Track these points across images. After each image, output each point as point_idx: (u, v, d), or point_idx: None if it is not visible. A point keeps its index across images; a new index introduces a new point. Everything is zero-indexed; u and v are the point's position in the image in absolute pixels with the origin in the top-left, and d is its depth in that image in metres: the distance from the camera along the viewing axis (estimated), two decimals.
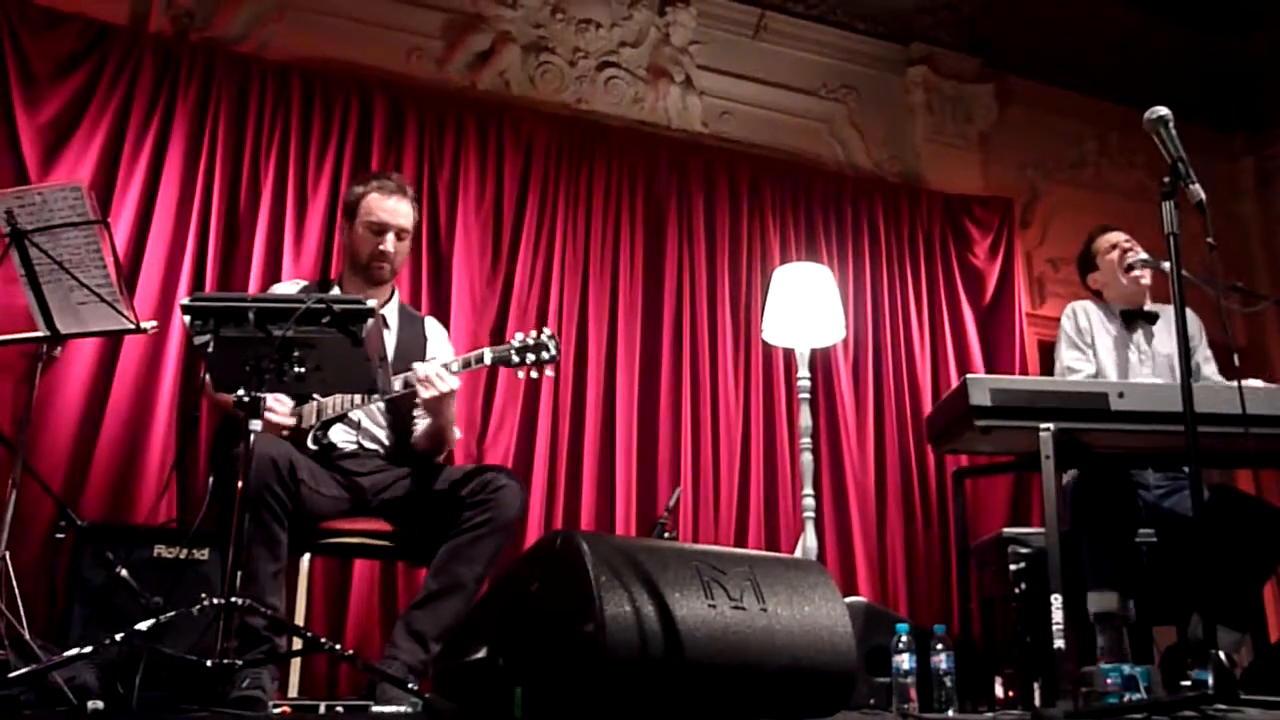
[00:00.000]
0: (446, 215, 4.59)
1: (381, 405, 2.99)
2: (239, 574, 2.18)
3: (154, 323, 3.25)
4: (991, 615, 3.67)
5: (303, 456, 2.74)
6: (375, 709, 2.54)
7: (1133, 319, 3.61)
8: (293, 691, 3.20)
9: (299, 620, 3.18)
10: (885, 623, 3.02)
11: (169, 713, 2.19)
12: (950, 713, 2.73)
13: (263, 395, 2.31)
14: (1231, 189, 6.62)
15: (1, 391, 3.66)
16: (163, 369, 3.94)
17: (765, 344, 4.69)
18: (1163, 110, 2.44)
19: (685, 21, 5.41)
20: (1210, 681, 2.06)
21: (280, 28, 4.63)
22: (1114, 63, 6.26)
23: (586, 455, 4.56)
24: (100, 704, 2.22)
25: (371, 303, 2.30)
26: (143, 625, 2.14)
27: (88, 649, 2.13)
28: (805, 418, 3.86)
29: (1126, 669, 2.61)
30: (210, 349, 2.27)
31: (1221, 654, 2.07)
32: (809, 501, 3.80)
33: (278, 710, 2.51)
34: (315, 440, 2.87)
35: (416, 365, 2.87)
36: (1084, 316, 3.64)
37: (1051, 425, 2.77)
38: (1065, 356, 3.61)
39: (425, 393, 2.81)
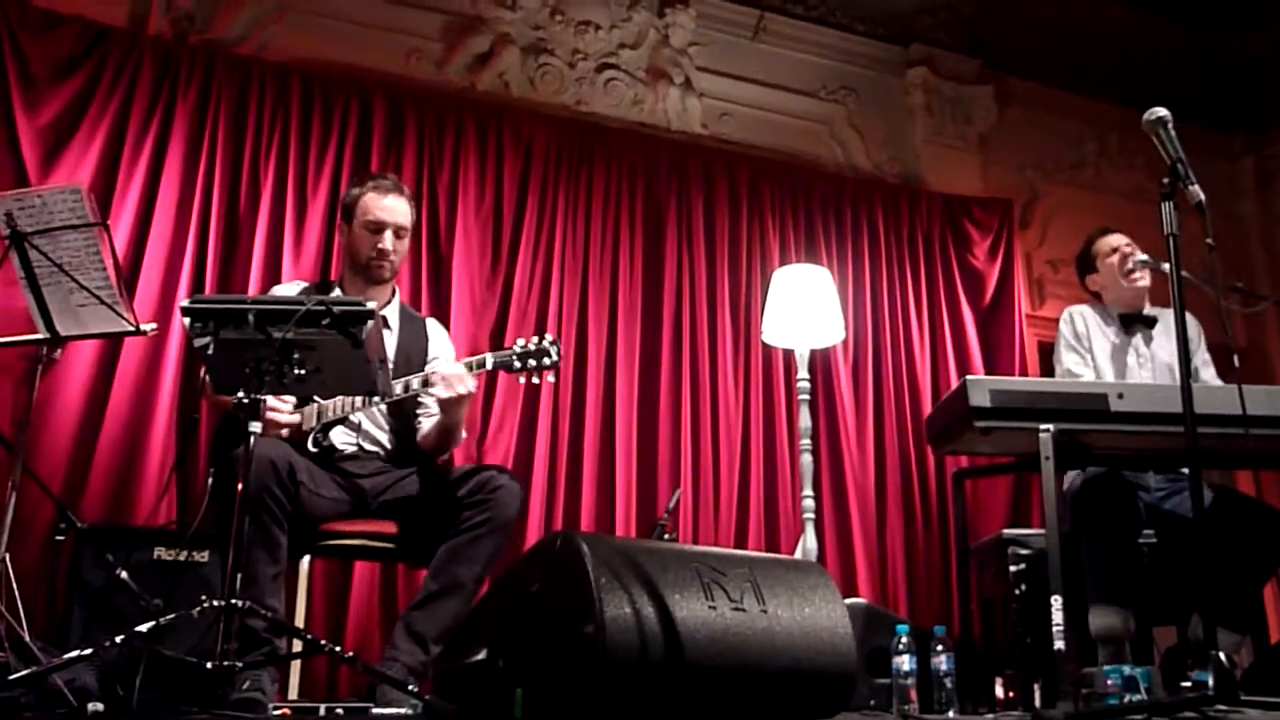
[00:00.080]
0: (446, 217, 4.59)
1: (383, 407, 2.99)
2: (239, 576, 2.18)
3: (154, 325, 3.25)
4: (992, 616, 3.67)
5: (302, 459, 2.74)
6: (375, 711, 2.54)
7: (1131, 323, 3.61)
8: (293, 693, 3.20)
9: (299, 622, 3.18)
10: (885, 624, 3.02)
11: (169, 714, 2.19)
12: (950, 714, 2.73)
13: (262, 397, 2.31)
14: (1231, 189, 6.62)
15: (1, 393, 3.66)
16: (162, 371, 3.94)
17: (765, 345, 4.70)
18: (1162, 111, 2.44)
19: (684, 23, 5.41)
20: (1210, 682, 2.06)
21: (280, 30, 4.63)
22: (1113, 63, 6.27)
23: (586, 456, 4.56)
24: (100, 706, 2.21)
25: (371, 304, 2.30)
26: (143, 627, 2.14)
27: (88, 651, 2.14)
28: (805, 419, 3.87)
29: (1127, 670, 2.61)
30: (210, 351, 2.27)
31: (1222, 655, 2.07)
32: (809, 503, 3.80)
33: (278, 712, 2.51)
34: (315, 443, 2.87)
35: (440, 364, 2.88)
36: (1081, 321, 3.63)
37: (1051, 426, 2.77)
38: (1066, 360, 3.60)
39: (445, 393, 2.81)
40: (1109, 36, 6.29)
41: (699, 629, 1.84)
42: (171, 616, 2.17)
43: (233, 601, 2.14)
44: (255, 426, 2.28)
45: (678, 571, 1.90)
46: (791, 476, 4.82)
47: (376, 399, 2.86)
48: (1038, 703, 3.08)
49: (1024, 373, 5.37)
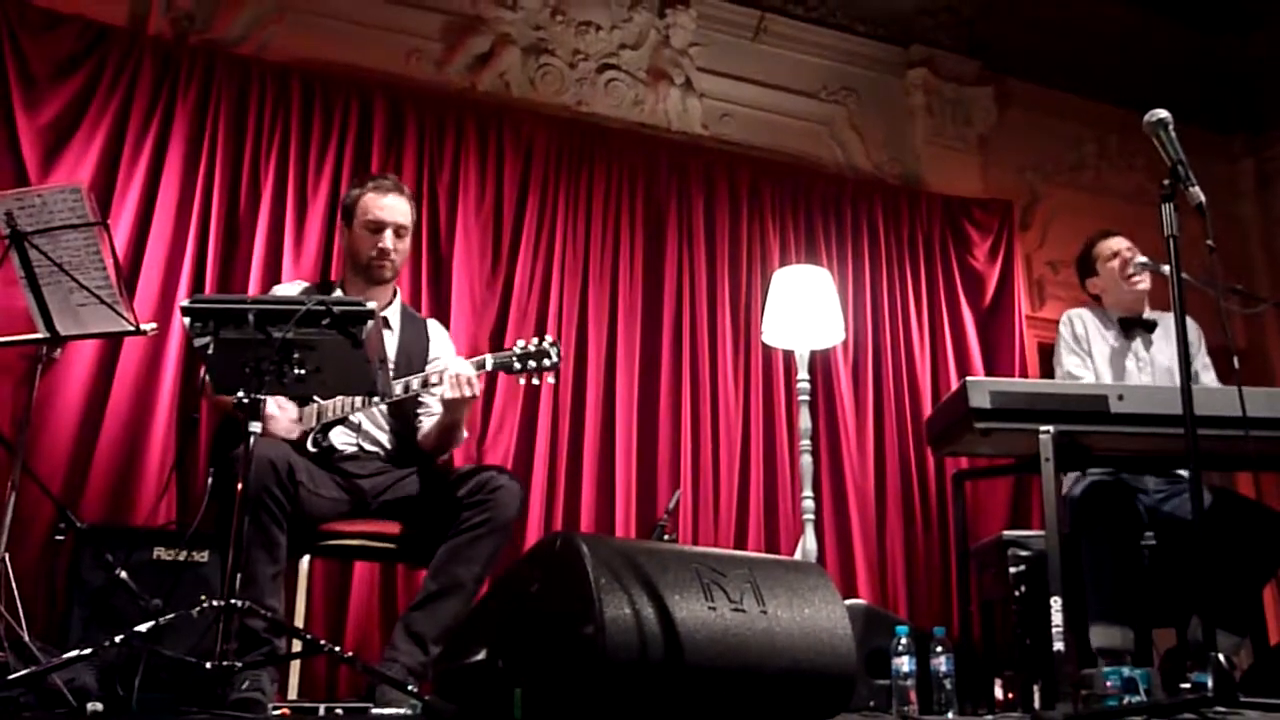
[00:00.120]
0: (446, 217, 4.59)
1: (383, 407, 3.00)
2: (238, 576, 2.18)
3: (154, 324, 3.25)
4: (991, 618, 3.67)
5: (302, 459, 2.74)
6: (375, 711, 2.54)
7: (1131, 327, 3.61)
8: (292, 693, 3.20)
9: (298, 622, 3.18)
10: (885, 625, 3.02)
11: (168, 714, 2.19)
12: (950, 715, 2.73)
13: (262, 397, 2.31)
14: (1231, 191, 6.62)
15: (1, 393, 3.66)
16: (162, 371, 3.94)
17: (765, 346, 4.70)
18: (1162, 113, 2.44)
19: (685, 24, 5.41)
20: (1210, 684, 2.06)
21: (280, 30, 4.63)
22: (1113, 65, 6.26)
23: (586, 457, 4.56)
24: (100, 706, 2.21)
25: (371, 304, 2.30)
26: (142, 627, 2.14)
27: (87, 651, 2.13)
28: (805, 420, 3.87)
29: (1126, 671, 2.61)
30: (210, 351, 2.27)
31: (1221, 657, 2.07)
32: (808, 504, 3.80)
33: (277, 712, 2.51)
34: (315, 443, 2.87)
35: (449, 361, 2.88)
36: (1081, 324, 3.64)
37: (1051, 428, 2.77)
38: (1066, 362, 3.60)
39: (450, 392, 2.81)
40: (1109, 38, 6.29)
41: (699, 630, 1.84)
42: (171, 616, 2.17)
43: (232, 601, 2.14)
44: (255, 426, 2.28)
45: (677, 572, 1.90)
46: (791, 477, 4.82)
47: (376, 399, 2.86)
48: (1037, 704, 3.08)
49: (1024, 374, 5.37)
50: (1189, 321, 2.86)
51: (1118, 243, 3.70)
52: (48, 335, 3.03)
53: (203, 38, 4.46)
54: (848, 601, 2.24)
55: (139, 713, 2.18)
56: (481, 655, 2.03)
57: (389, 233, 3.03)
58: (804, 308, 3.88)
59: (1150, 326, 3.63)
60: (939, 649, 2.77)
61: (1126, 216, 5.03)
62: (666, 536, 4.03)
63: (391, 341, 3.08)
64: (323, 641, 2.39)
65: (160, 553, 3.27)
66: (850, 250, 5.39)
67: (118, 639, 2.11)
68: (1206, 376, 3.59)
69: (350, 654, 2.53)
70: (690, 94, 5.40)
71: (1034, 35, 6.19)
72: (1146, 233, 3.28)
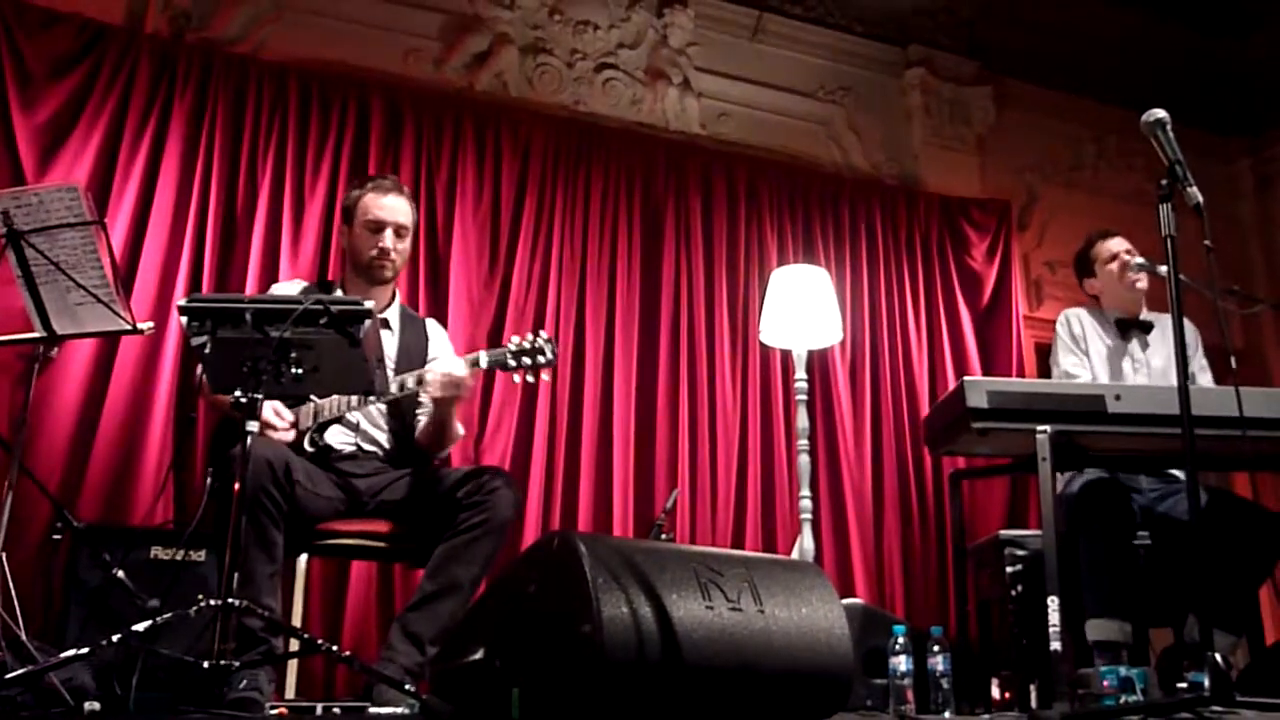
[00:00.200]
0: (444, 217, 4.59)
1: (382, 407, 3.00)
2: (235, 575, 2.18)
3: (151, 324, 3.24)
4: (988, 617, 3.68)
5: (299, 458, 2.74)
6: (372, 710, 2.54)
7: (1128, 328, 3.62)
8: (289, 693, 3.20)
9: (296, 621, 3.17)
10: (882, 624, 3.02)
11: (166, 714, 2.19)
12: (947, 714, 2.73)
13: (259, 396, 2.31)
14: (1230, 192, 6.62)
15: None
16: (160, 370, 3.93)
17: (763, 346, 4.70)
18: (1160, 113, 2.44)
19: (683, 23, 5.41)
20: (1206, 683, 2.06)
21: (277, 28, 4.63)
22: (1112, 66, 6.27)
23: (584, 456, 4.56)
24: (97, 705, 2.21)
25: (369, 303, 2.30)
26: (139, 626, 2.13)
27: (84, 650, 2.13)
28: (802, 419, 3.87)
29: (1123, 671, 2.61)
30: (207, 350, 2.27)
31: (1217, 656, 2.07)
32: (806, 503, 3.80)
33: (274, 711, 2.51)
34: (312, 442, 2.87)
35: (441, 362, 2.88)
36: (1078, 323, 3.64)
37: (1048, 427, 2.77)
38: (1063, 362, 3.61)
39: (438, 391, 2.81)
40: (1107, 39, 6.30)
41: (696, 629, 1.84)
42: (168, 616, 2.17)
43: (229, 601, 2.14)
44: (252, 426, 2.28)
45: (675, 571, 1.90)
46: (789, 477, 4.82)
47: (372, 398, 2.86)
48: (1034, 703, 3.09)
49: (1021, 374, 5.37)
50: (1186, 323, 2.86)
51: (1116, 244, 3.71)
52: (45, 334, 3.03)
53: (200, 36, 4.46)
54: (845, 601, 2.24)
55: (136, 712, 2.18)
56: (479, 655, 2.03)
57: (389, 232, 3.03)
58: (802, 307, 3.88)
59: (1147, 327, 3.63)
60: (936, 648, 2.78)
61: (1125, 217, 5.03)
62: (664, 536, 4.03)
63: (391, 342, 3.08)
64: (320, 641, 2.39)
65: (157, 552, 3.26)
66: (848, 250, 5.39)
67: (115, 638, 2.11)
68: (1203, 378, 3.60)
69: (348, 653, 2.52)
70: (688, 93, 5.40)
71: (1033, 36, 6.20)
72: (1145, 233, 3.29)
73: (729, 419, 4.87)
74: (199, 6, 4.50)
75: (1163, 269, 2.45)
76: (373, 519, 2.90)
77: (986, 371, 5.36)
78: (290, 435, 2.85)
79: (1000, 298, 5.59)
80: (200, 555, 3.29)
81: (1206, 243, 2.34)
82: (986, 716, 3.01)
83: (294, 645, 2.73)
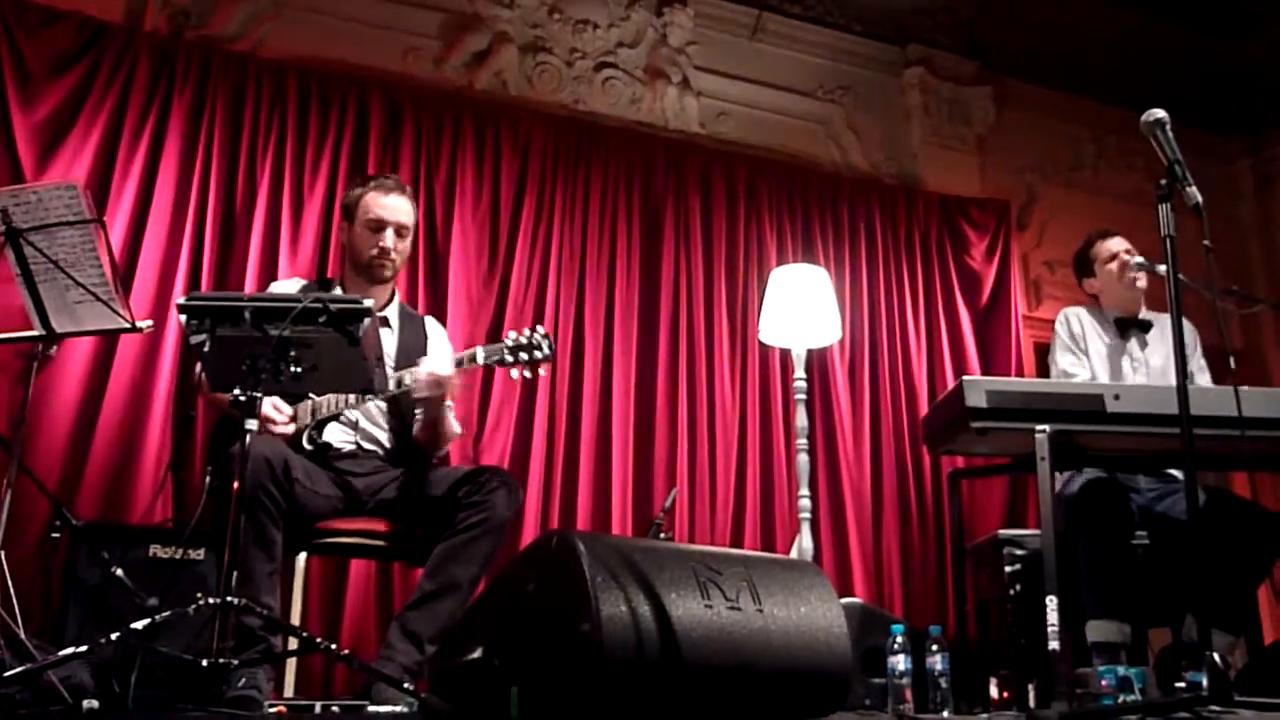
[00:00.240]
0: (443, 215, 4.59)
1: (383, 405, 3.00)
2: (234, 574, 2.18)
3: (150, 322, 3.24)
4: (987, 616, 3.68)
5: (298, 456, 2.74)
6: (371, 709, 2.55)
7: (1127, 327, 3.62)
8: (288, 691, 3.20)
9: (295, 620, 3.17)
10: (881, 624, 3.02)
11: (164, 712, 2.20)
12: (945, 714, 2.73)
13: (259, 394, 2.31)
14: (1229, 193, 6.62)
15: None
16: (158, 368, 3.93)
17: (762, 345, 4.70)
18: (1160, 112, 2.44)
19: (682, 22, 5.41)
20: (1205, 683, 2.06)
21: (276, 26, 4.62)
22: (1112, 66, 6.27)
23: (583, 455, 4.56)
24: (95, 703, 2.21)
25: (369, 302, 2.30)
26: (138, 625, 2.13)
27: (83, 648, 2.13)
28: (801, 419, 3.87)
29: (1121, 670, 2.61)
30: (206, 348, 2.27)
31: (1216, 656, 2.07)
32: (805, 502, 3.81)
33: (273, 710, 2.51)
34: (310, 440, 2.87)
35: (429, 362, 2.88)
36: (1077, 322, 3.65)
37: (1047, 427, 2.77)
38: (1061, 361, 3.61)
39: (423, 391, 2.82)
40: (1107, 39, 6.29)
41: (695, 628, 1.84)
42: (167, 614, 2.17)
43: (228, 599, 2.14)
44: (251, 424, 2.28)
45: (674, 570, 1.90)
46: (788, 476, 4.82)
47: (369, 396, 2.86)
48: (1032, 703, 3.09)
49: (1020, 374, 5.37)
50: (1185, 323, 2.86)
51: (1116, 243, 3.71)
52: (44, 333, 3.02)
53: (199, 34, 4.45)
54: (843, 600, 2.24)
55: (135, 710, 2.18)
56: (478, 653, 2.03)
57: (390, 232, 3.03)
58: (801, 307, 3.88)
59: (1146, 327, 3.64)
60: (934, 648, 2.78)
61: (1124, 217, 5.02)
62: (663, 535, 4.03)
63: (391, 340, 3.08)
64: (319, 639, 2.39)
65: (156, 550, 3.26)
66: (847, 249, 5.39)
67: (114, 636, 2.11)
68: (1202, 379, 3.60)
69: (346, 652, 2.52)
70: (687, 92, 5.40)
71: (1032, 35, 6.19)
72: (1144, 233, 3.28)
73: (728, 418, 4.87)
74: (198, 4, 4.49)
75: (1162, 268, 2.45)
76: (372, 518, 2.89)
77: (985, 371, 5.37)
78: (290, 429, 2.85)
79: (999, 297, 5.59)
80: (199, 554, 3.29)
81: (1206, 243, 2.34)
82: (985, 716, 3.01)
83: (293, 644, 2.73)
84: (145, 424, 3.85)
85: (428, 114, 4.68)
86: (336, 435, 2.95)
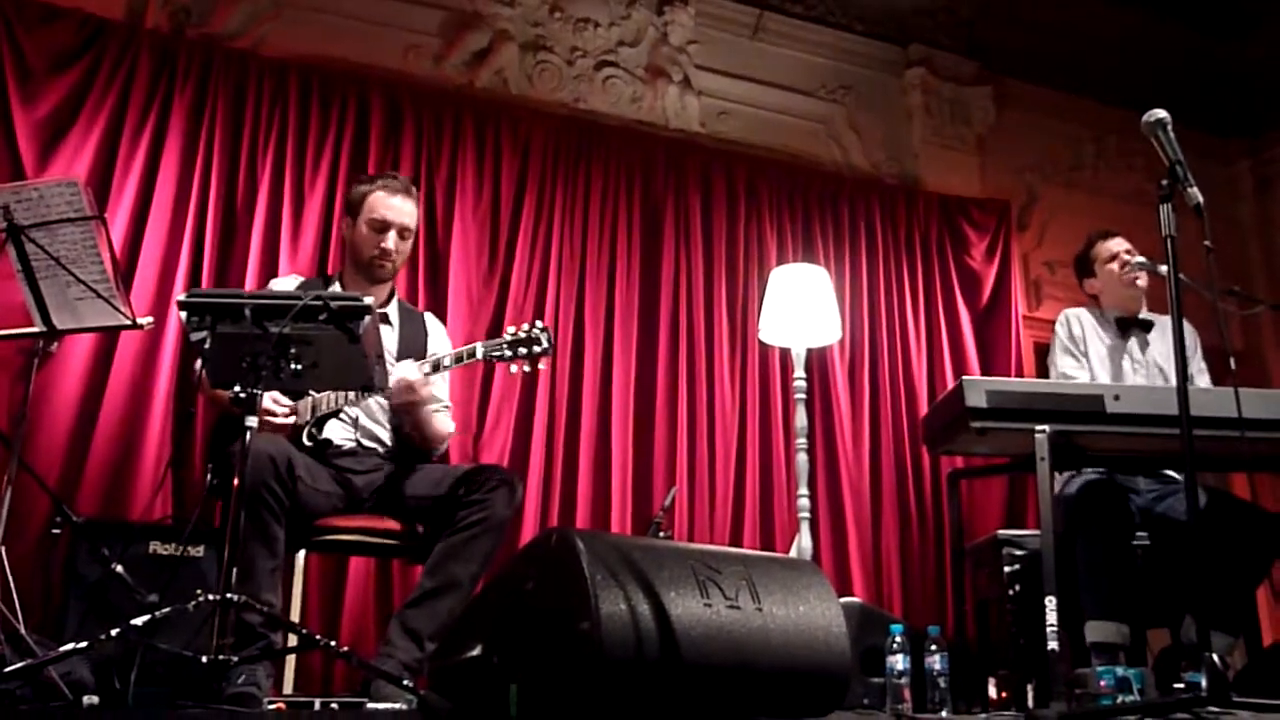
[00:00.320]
0: (444, 214, 4.59)
1: (383, 402, 3.00)
2: (235, 570, 2.18)
3: (150, 319, 3.24)
4: (986, 617, 3.68)
5: (300, 453, 2.75)
6: (370, 706, 2.54)
7: (1128, 327, 3.62)
8: (288, 688, 3.20)
9: (295, 617, 3.17)
10: (880, 623, 3.02)
11: (164, 708, 2.19)
12: (944, 714, 2.73)
13: (259, 391, 2.31)
14: (1229, 194, 6.62)
15: None
16: (159, 365, 3.93)
17: (761, 344, 4.70)
18: (1161, 113, 2.44)
19: (683, 21, 5.41)
20: (1203, 684, 2.06)
21: (277, 24, 4.62)
22: (1112, 66, 6.27)
23: (582, 454, 4.56)
24: (96, 699, 2.22)
25: (369, 299, 2.30)
26: (138, 621, 2.13)
27: (83, 645, 2.13)
28: (801, 418, 3.87)
29: (1120, 671, 2.62)
30: (207, 345, 2.27)
31: (1215, 657, 2.07)
32: (804, 502, 3.81)
33: (273, 707, 2.51)
34: (310, 436, 2.87)
35: (397, 369, 2.88)
36: (1077, 324, 3.65)
37: (1047, 427, 2.77)
38: (1061, 363, 3.61)
39: (398, 399, 2.84)
40: (1107, 39, 6.29)
41: (694, 626, 1.84)
42: (167, 611, 2.17)
43: (229, 596, 2.14)
44: (252, 421, 2.28)
45: (673, 569, 1.90)
46: (787, 475, 4.82)
47: (368, 392, 2.86)
48: (1031, 703, 3.09)
49: (1020, 374, 5.37)
50: (1185, 325, 2.86)
51: (1117, 244, 3.71)
52: (44, 329, 3.02)
53: (200, 32, 4.45)
54: (843, 599, 2.25)
55: (134, 707, 2.18)
56: (477, 651, 2.04)
57: (393, 233, 3.03)
58: (801, 306, 3.88)
59: (1147, 327, 3.64)
60: (933, 647, 2.78)
61: (1125, 217, 5.03)
62: (662, 534, 4.03)
63: (391, 337, 3.08)
64: (319, 636, 2.39)
65: (156, 547, 3.26)
66: (847, 249, 5.39)
67: (114, 633, 2.11)
68: (1202, 380, 3.60)
69: (346, 649, 2.52)
70: (688, 92, 5.40)
71: (1032, 36, 6.19)
72: (1145, 234, 3.29)
73: (728, 417, 4.87)
74: (199, 2, 4.49)
75: (1163, 269, 2.45)
76: (372, 515, 2.90)
77: (985, 371, 5.37)
78: (291, 421, 2.85)
79: (999, 297, 5.59)
80: (199, 550, 3.29)
81: (1206, 243, 2.34)
82: (983, 716, 3.02)
83: (292, 641, 2.73)
84: (146, 421, 3.86)
85: (428, 112, 4.68)
86: (337, 432, 2.95)
